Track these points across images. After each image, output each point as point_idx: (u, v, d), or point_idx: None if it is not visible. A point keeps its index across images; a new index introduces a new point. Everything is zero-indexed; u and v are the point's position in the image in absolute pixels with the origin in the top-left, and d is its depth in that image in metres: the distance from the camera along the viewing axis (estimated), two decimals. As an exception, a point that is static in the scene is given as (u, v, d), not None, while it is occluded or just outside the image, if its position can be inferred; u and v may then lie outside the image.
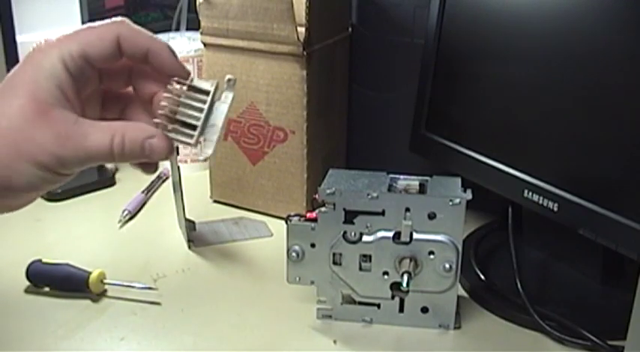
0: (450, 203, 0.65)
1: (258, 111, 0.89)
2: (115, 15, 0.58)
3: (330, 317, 0.71)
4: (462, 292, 0.75)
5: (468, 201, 0.66)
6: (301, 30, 0.83)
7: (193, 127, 0.50)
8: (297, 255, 0.68)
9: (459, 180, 0.69)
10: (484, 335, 0.70)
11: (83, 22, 1.08)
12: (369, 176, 0.70)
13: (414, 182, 0.69)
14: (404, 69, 0.93)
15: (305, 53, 0.84)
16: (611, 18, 0.64)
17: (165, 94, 0.50)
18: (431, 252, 0.67)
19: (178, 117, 0.50)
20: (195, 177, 1.03)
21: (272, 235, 0.89)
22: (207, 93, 0.50)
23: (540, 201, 0.70)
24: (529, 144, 0.73)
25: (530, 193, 0.71)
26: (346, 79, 0.98)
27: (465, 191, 0.67)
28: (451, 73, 0.82)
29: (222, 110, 0.51)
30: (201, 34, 0.90)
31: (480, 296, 0.75)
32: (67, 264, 0.75)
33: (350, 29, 0.96)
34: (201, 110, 0.50)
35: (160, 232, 0.89)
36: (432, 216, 0.66)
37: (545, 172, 0.70)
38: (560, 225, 0.69)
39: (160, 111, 0.50)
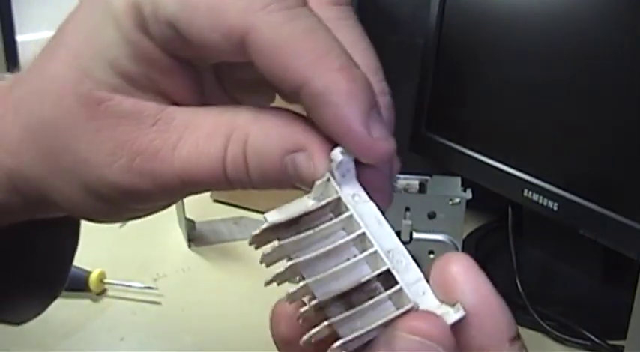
0: (450, 202, 0.65)
1: (259, 110, 0.89)
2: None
3: (330, 316, 0.71)
4: (462, 292, 0.75)
5: (467, 201, 0.66)
6: (301, 30, 0.83)
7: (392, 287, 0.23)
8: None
9: (458, 180, 0.69)
10: (484, 335, 0.70)
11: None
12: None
13: (413, 181, 0.69)
14: (404, 69, 0.93)
15: (305, 53, 0.84)
16: (611, 18, 0.64)
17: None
18: (431, 252, 0.67)
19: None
20: (196, 176, 1.03)
21: (272, 235, 0.89)
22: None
23: (540, 201, 0.70)
24: (529, 144, 0.73)
25: (530, 193, 0.71)
26: (346, 78, 0.98)
27: (464, 190, 0.67)
28: (451, 73, 0.82)
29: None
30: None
31: (479, 296, 0.75)
32: (67, 264, 0.75)
33: (350, 29, 0.96)
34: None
35: (160, 232, 0.89)
36: (431, 216, 0.66)
37: (545, 172, 0.70)
38: (560, 225, 0.69)
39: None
